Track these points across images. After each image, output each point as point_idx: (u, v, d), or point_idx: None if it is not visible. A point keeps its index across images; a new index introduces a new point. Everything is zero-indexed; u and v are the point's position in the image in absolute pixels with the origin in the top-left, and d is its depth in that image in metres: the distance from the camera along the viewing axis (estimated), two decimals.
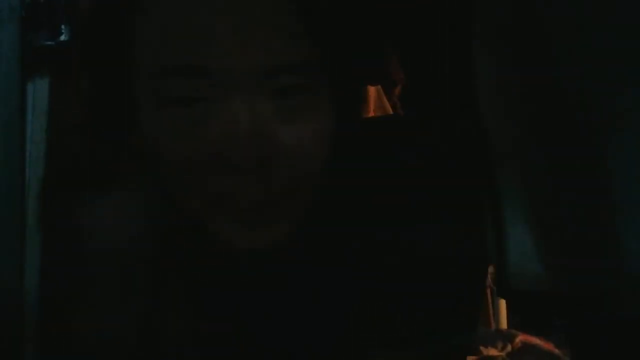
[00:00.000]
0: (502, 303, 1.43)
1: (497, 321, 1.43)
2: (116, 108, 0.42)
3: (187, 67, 0.38)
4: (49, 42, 0.41)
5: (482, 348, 1.14)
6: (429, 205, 0.44)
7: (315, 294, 0.42)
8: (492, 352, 1.14)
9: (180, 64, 0.38)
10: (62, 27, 0.40)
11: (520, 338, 1.16)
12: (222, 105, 0.38)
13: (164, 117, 0.39)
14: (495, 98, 0.39)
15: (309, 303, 0.42)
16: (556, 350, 1.10)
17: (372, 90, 0.92)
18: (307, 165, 0.41)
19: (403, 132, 0.47)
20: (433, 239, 0.44)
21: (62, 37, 0.41)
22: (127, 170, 0.43)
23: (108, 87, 0.42)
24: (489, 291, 1.42)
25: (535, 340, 1.15)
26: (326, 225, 0.42)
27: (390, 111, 0.94)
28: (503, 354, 1.15)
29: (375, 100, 0.93)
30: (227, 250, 0.41)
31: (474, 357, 1.12)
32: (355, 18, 0.44)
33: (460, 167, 0.45)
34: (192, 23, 0.38)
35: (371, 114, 0.90)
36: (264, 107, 0.39)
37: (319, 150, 0.41)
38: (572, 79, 0.34)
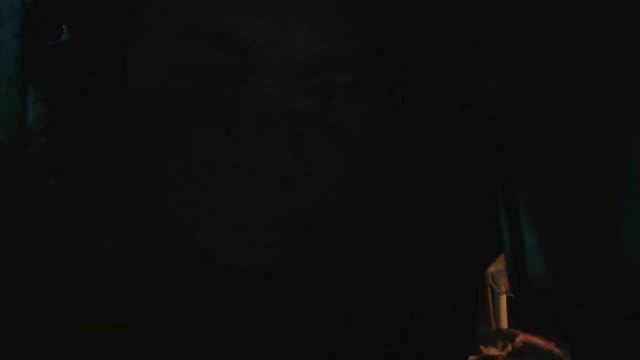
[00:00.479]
0: (502, 303, 1.43)
1: (497, 321, 1.43)
2: (108, 79, 0.34)
3: (217, 36, 0.30)
4: (49, 42, 0.40)
5: (482, 348, 1.14)
6: (430, 205, 0.43)
7: (315, 294, 0.42)
8: (493, 351, 1.15)
9: (209, 30, 0.30)
10: (63, 27, 0.39)
11: (521, 338, 1.16)
12: (254, 93, 0.31)
13: (172, 93, 0.32)
14: (497, 98, 0.39)
15: (309, 303, 0.42)
16: (556, 350, 1.11)
17: None
18: (336, 182, 0.34)
19: (402, 130, 0.46)
20: (434, 239, 0.43)
21: (63, 37, 0.39)
22: (108, 167, 0.37)
23: (103, 50, 0.34)
24: (489, 291, 1.42)
25: (535, 340, 1.15)
26: (329, 227, 0.38)
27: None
28: (503, 353, 1.15)
29: None
30: (216, 269, 0.35)
31: (474, 357, 1.12)
32: (415, 14, 0.38)
33: (465, 167, 0.44)
34: None
35: None
36: (303, 103, 0.32)
37: (349, 163, 0.35)
38: (575, 79, 0.34)
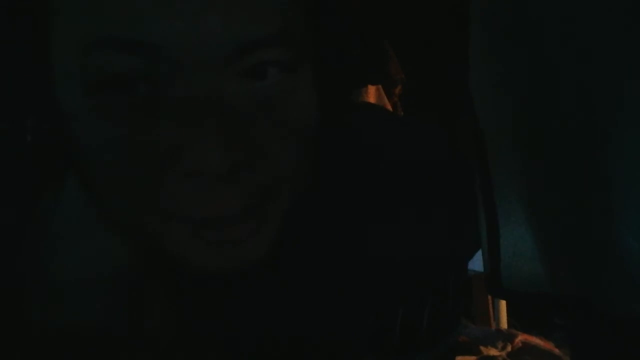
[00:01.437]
0: (502, 303, 1.43)
1: (497, 321, 1.43)
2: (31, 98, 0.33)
3: (125, 41, 0.29)
4: None
5: (482, 348, 1.14)
6: (417, 204, 0.43)
7: (297, 287, 0.41)
8: (492, 352, 1.15)
9: (116, 37, 0.29)
10: None
11: (520, 338, 1.16)
12: (178, 91, 0.30)
13: (96, 106, 0.30)
14: (491, 94, 0.39)
15: (293, 306, 0.41)
16: (556, 350, 1.11)
17: (372, 90, 0.92)
18: (287, 165, 0.33)
19: (391, 127, 0.45)
20: (419, 239, 0.43)
21: None
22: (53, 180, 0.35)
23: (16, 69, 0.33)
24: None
25: (535, 340, 1.15)
26: (309, 226, 0.38)
27: (391, 110, 0.94)
28: (503, 353, 1.15)
29: (376, 99, 0.93)
30: (190, 272, 0.34)
31: (474, 357, 1.12)
32: None
33: (452, 165, 0.44)
34: None
35: None
36: (235, 90, 0.31)
37: (301, 144, 0.33)
38: (570, 76, 0.34)
